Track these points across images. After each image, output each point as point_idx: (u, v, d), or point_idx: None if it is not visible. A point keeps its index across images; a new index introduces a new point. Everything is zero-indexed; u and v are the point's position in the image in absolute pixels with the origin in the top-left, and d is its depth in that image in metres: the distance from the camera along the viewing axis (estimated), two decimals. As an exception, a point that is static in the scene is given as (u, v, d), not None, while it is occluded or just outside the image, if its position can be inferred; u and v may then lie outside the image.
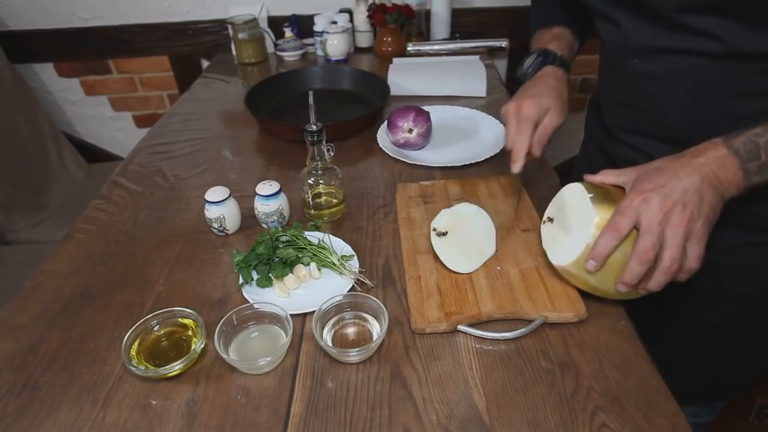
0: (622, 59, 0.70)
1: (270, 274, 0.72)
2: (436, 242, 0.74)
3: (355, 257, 0.76)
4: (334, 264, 0.74)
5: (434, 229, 0.75)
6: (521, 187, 0.87)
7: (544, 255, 0.70)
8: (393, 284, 0.73)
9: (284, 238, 0.76)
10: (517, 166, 0.73)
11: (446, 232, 0.75)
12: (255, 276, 0.72)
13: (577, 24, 0.88)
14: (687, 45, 0.61)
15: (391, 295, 0.71)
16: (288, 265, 0.73)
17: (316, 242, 0.77)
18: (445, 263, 0.72)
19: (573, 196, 0.66)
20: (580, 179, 0.68)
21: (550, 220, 0.70)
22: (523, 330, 0.64)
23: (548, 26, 0.87)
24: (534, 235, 0.77)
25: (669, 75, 0.65)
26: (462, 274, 0.72)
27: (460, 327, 0.65)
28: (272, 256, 0.73)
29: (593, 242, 0.59)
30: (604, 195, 0.62)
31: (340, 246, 0.78)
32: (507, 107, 0.77)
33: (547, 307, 0.66)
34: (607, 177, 0.64)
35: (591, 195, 0.62)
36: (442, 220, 0.76)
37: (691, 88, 0.64)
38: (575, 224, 0.64)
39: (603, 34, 0.73)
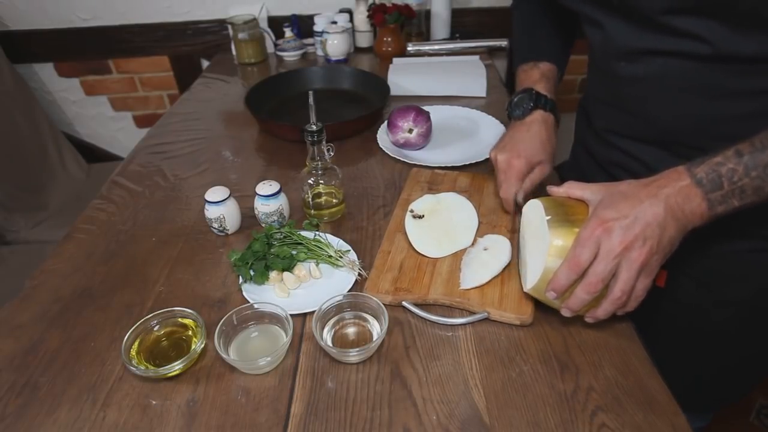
0: (607, 62, 0.70)
1: (267, 270, 0.72)
2: (410, 223, 0.78)
3: (352, 251, 0.76)
4: (330, 257, 0.74)
5: (411, 211, 0.80)
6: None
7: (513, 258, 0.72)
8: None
9: (279, 236, 0.76)
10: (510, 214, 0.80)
11: (423, 216, 0.79)
12: (253, 274, 0.72)
13: (560, 51, 0.89)
14: (672, 47, 0.61)
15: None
16: (284, 260, 0.73)
17: (311, 238, 0.77)
18: (413, 244, 0.76)
19: (533, 216, 0.65)
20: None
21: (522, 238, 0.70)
22: (462, 320, 0.66)
23: (535, 61, 0.86)
24: (517, 236, 0.77)
25: (655, 77, 0.65)
26: (428, 257, 0.74)
27: (404, 303, 0.68)
28: (268, 252, 0.74)
29: (551, 267, 0.58)
30: (563, 215, 0.60)
31: (336, 243, 0.78)
32: (497, 157, 0.79)
33: (493, 304, 0.66)
34: (571, 190, 0.62)
35: (549, 217, 0.60)
36: (422, 203, 0.81)
37: (677, 90, 0.64)
38: (535, 247, 0.63)
39: (590, 37, 0.72)
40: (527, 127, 0.80)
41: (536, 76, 0.84)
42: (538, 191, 0.77)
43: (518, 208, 0.76)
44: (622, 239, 0.54)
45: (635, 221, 0.54)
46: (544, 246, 0.59)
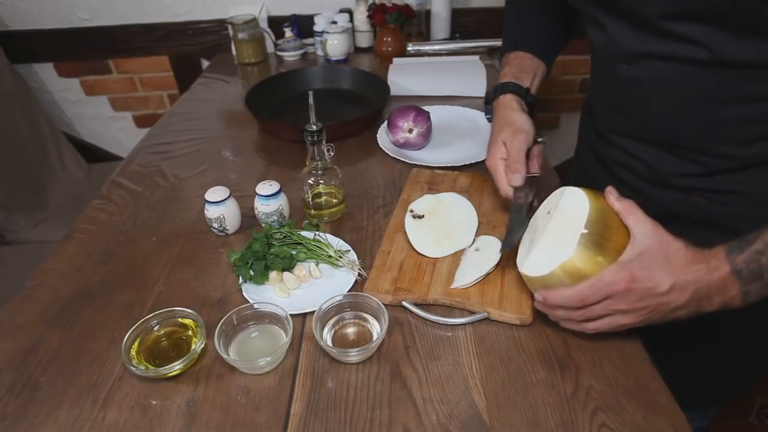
0: (610, 63, 0.70)
1: (266, 270, 0.72)
2: (410, 223, 0.78)
3: (352, 251, 0.76)
4: (330, 257, 0.74)
5: (411, 211, 0.79)
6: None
7: (513, 257, 0.70)
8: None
9: (279, 236, 0.76)
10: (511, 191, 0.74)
11: (422, 216, 0.79)
12: (252, 274, 0.72)
13: (539, 37, 0.88)
14: (672, 51, 0.61)
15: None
16: (284, 260, 0.73)
17: (311, 238, 0.77)
18: (413, 244, 0.76)
19: (571, 209, 0.59)
20: (574, 182, 0.66)
21: (548, 213, 0.65)
22: (462, 320, 0.66)
23: (508, 52, 0.89)
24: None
25: (655, 80, 0.65)
26: (428, 257, 0.74)
27: (404, 303, 0.68)
28: (268, 252, 0.74)
29: (554, 276, 0.57)
30: (599, 236, 0.55)
31: (336, 243, 0.78)
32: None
33: (493, 303, 0.66)
34: (627, 213, 0.56)
35: (585, 231, 0.55)
36: (422, 203, 0.81)
37: (677, 94, 0.64)
38: (553, 241, 0.59)
39: (592, 38, 0.73)
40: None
41: (504, 70, 0.86)
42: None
43: (523, 189, 0.73)
44: (633, 302, 0.54)
45: (657, 295, 0.53)
46: (562, 254, 0.56)
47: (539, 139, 0.78)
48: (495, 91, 0.83)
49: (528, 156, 0.74)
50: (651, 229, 0.55)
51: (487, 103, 0.85)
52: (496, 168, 0.74)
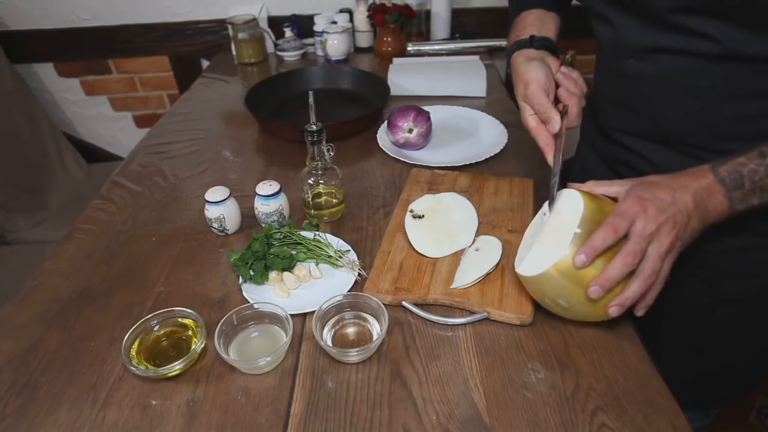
0: (616, 59, 0.70)
1: (266, 270, 0.72)
2: (410, 223, 0.78)
3: (352, 251, 0.76)
4: (330, 257, 0.74)
5: (411, 211, 0.80)
6: (530, 189, 0.88)
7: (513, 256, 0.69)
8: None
9: (279, 236, 0.76)
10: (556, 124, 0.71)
11: (422, 216, 0.79)
12: (252, 274, 0.72)
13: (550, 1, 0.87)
14: (682, 45, 0.60)
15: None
16: (284, 260, 0.73)
17: (311, 238, 0.77)
18: (413, 244, 0.76)
19: (566, 210, 0.61)
20: (576, 182, 0.66)
21: (544, 215, 0.67)
22: (462, 320, 0.66)
23: (517, 15, 0.87)
24: (517, 236, 0.77)
25: (663, 76, 0.65)
26: (428, 257, 0.74)
27: (404, 303, 0.68)
28: (268, 252, 0.74)
29: (548, 275, 0.57)
30: (591, 233, 0.56)
31: (336, 243, 0.78)
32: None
33: (493, 303, 0.66)
34: (598, 187, 0.62)
35: (579, 230, 0.56)
36: (422, 204, 0.81)
37: (685, 89, 0.64)
38: (547, 242, 0.60)
39: (598, 33, 0.72)
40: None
41: (510, 37, 0.84)
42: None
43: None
44: (655, 218, 0.55)
45: (669, 205, 0.56)
46: (556, 253, 0.57)
47: (567, 57, 0.75)
48: (508, 57, 0.82)
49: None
50: (623, 180, 0.62)
51: (507, 64, 0.83)
52: (530, 125, 0.73)
